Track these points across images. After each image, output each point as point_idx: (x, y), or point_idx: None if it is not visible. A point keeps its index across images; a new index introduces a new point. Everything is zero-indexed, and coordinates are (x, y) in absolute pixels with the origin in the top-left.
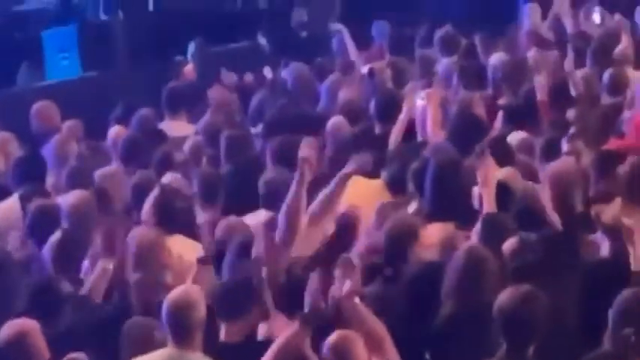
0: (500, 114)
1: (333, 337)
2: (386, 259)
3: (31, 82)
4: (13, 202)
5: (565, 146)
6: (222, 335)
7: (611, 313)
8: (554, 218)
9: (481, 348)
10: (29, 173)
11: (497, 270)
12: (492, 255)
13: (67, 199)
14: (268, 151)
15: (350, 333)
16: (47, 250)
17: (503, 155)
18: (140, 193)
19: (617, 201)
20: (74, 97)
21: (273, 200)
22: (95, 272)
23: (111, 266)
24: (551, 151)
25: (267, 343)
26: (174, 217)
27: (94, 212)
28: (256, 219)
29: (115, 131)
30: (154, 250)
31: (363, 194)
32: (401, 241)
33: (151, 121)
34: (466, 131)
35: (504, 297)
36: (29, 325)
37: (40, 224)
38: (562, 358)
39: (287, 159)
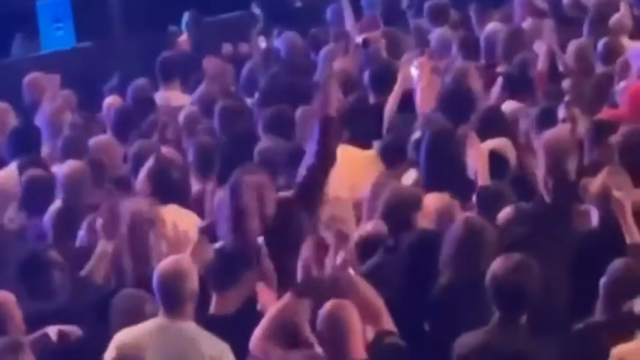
0: (499, 82)
1: (327, 307)
2: (388, 228)
3: (26, 52)
4: (11, 172)
5: (561, 113)
6: (213, 307)
7: (602, 283)
8: (546, 188)
9: (479, 317)
10: (24, 144)
11: (495, 240)
12: (490, 225)
13: (61, 170)
14: (261, 121)
15: (344, 302)
16: (47, 220)
17: (498, 124)
18: (139, 162)
19: (605, 171)
20: (68, 68)
21: (267, 169)
22: (95, 254)
23: (110, 249)
24: (546, 121)
25: (259, 314)
26: (168, 187)
27: (89, 182)
28: None
29: (110, 101)
30: (147, 221)
31: (356, 164)
32: (403, 210)
33: (146, 91)
34: (457, 102)
35: (497, 266)
36: (4, 296)
37: (32, 195)
38: (554, 327)
39: (280, 128)
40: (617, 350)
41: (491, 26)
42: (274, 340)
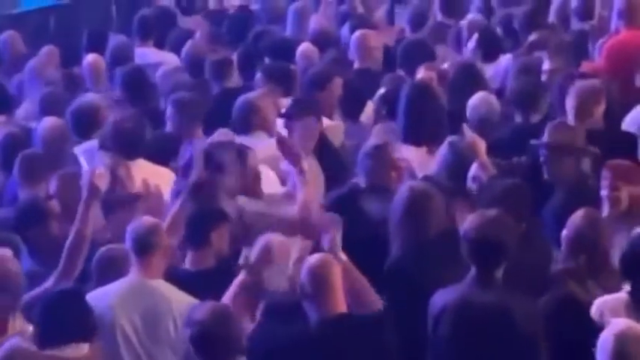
0: (474, 37)
1: (312, 260)
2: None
3: (6, 8)
4: None
5: (546, 64)
6: (189, 263)
7: (563, 236)
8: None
9: (432, 284)
10: None
11: (442, 206)
12: (435, 191)
13: (40, 126)
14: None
15: (329, 258)
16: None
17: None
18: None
19: None
20: (47, 25)
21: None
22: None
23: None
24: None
25: (234, 270)
26: (129, 143)
27: (68, 139)
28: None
29: (91, 59)
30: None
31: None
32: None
33: (127, 49)
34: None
35: (472, 221)
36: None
37: (10, 152)
38: (527, 279)
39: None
40: (598, 302)
41: None
42: None
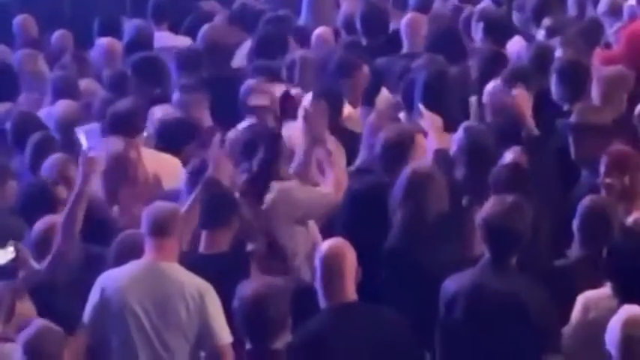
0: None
1: (324, 247)
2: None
3: None
4: None
5: (558, 51)
6: (203, 246)
7: (574, 223)
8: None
9: (429, 267)
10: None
11: (443, 188)
12: (438, 172)
13: (56, 109)
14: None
15: (342, 244)
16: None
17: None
18: None
19: None
20: (59, 9)
21: None
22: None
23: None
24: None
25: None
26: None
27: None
28: None
29: (107, 42)
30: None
31: None
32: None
33: (147, 32)
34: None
35: (491, 207)
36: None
37: (22, 131)
38: (538, 267)
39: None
40: (582, 296)
41: None
42: None
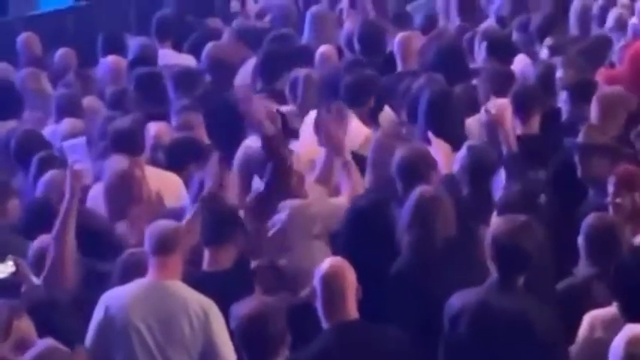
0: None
1: (324, 265)
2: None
3: (23, 10)
4: None
5: (559, 71)
6: (206, 264)
7: (580, 241)
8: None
9: (437, 291)
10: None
11: (451, 209)
12: (445, 194)
13: (62, 127)
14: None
15: (341, 264)
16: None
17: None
18: None
19: None
20: (66, 27)
21: None
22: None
23: None
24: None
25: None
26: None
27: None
28: None
29: (112, 59)
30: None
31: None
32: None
33: (151, 50)
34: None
35: (500, 226)
36: None
37: (25, 149)
38: (544, 287)
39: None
40: (589, 315)
41: None
42: None
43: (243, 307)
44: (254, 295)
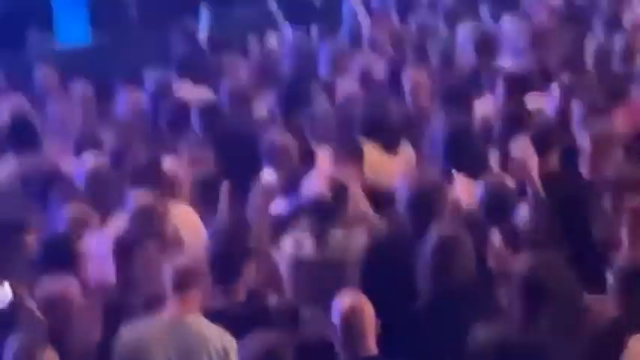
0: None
1: (344, 301)
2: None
3: (41, 45)
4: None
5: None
6: (218, 300)
7: (610, 278)
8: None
9: (460, 331)
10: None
11: (471, 250)
12: (464, 235)
13: (84, 163)
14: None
15: (360, 300)
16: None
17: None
18: None
19: None
20: (84, 64)
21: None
22: None
23: None
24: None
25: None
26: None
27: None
28: None
29: (131, 94)
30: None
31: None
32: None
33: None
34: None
35: (526, 262)
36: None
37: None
38: (568, 325)
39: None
40: (632, 342)
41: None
42: None
43: (249, 345)
44: (260, 333)
